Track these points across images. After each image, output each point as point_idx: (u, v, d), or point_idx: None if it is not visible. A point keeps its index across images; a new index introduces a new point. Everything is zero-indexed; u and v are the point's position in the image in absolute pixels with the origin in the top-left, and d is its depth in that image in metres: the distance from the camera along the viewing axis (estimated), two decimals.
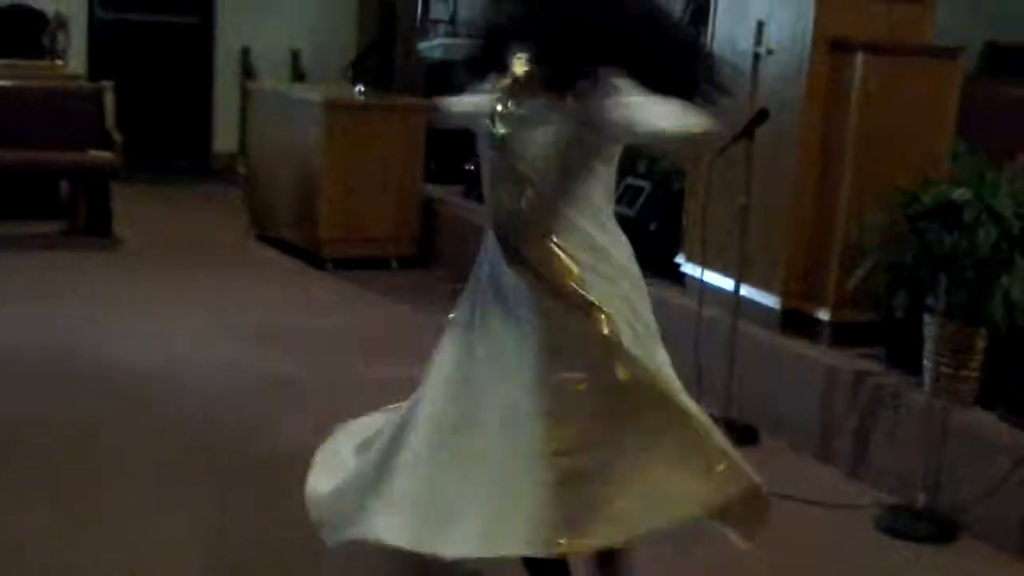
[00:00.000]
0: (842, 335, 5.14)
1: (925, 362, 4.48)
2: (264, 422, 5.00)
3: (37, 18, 10.14)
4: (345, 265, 7.65)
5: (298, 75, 10.62)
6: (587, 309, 3.02)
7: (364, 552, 3.40)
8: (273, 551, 3.88)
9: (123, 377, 5.44)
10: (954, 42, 5.49)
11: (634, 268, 3.19)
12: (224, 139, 10.85)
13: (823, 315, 5.18)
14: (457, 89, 3.29)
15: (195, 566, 3.78)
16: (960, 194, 4.25)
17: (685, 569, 3.94)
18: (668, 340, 4.36)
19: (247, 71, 10.57)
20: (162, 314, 6.46)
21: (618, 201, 6.48)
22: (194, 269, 7.49)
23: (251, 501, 4.25)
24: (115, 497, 4.22)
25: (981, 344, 4.46)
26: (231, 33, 10.80)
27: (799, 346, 5.17)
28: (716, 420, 4.91)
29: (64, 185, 8.54)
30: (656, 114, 2.90)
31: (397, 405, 3.39)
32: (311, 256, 7.75)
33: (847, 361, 4.97)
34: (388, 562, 3.59)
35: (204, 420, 5.00)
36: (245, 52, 10.71)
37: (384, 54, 9.87)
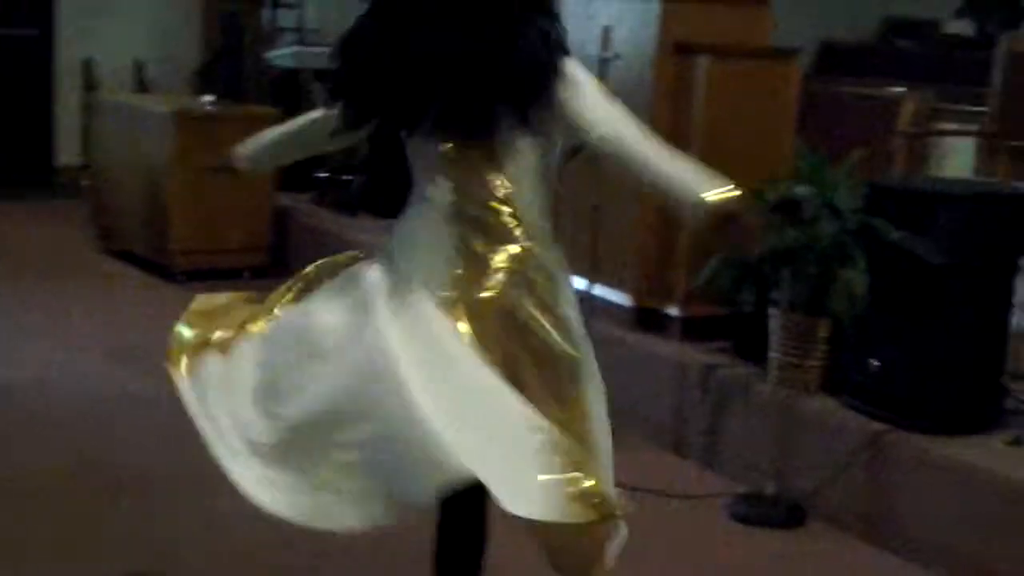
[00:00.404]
0: (692, 330, 5.28)
1: (771, 353, 4.62)
2: (115, 439, 4.94)
3: None
4: (197, 276, 7.55)
5: (142, 86, 10.45)
6: None
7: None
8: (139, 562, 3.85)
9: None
10: (790, 43, 5.68)
11: None
12: (67, 153, 10.62)
13: (673, 311, 5.31)
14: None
15: None
16: (801, 191, 4.40)
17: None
18: None
19: (89, 83, 10.37)
20: (7, 332, 6.31)
21: None
22: (40, 286, 7.32)
23: (114, 516, 4.21)
24: None
25: (823, 334, 4.62)
26: (72, 45, 10.56)
27: (650, 342, 5.30)
28: None
29: None
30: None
31: None
32: (162, 268, 7.65)
33: (697, 355, 5.11)
34: None
35: (55, 438, 4.92)
36: (87, 64, 10.49)
37: (231, 63, 9.76)
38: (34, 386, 5.55)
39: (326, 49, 7.67)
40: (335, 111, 3.05)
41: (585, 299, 5.17)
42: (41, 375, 5.70)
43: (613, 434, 4.88)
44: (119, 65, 10.49)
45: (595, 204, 5.14)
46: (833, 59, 9.47)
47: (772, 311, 4.64)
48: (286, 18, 9.78)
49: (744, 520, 4.46)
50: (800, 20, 8.42)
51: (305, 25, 9.79)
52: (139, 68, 10.60)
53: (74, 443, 4.89)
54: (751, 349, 4.94)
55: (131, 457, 4.76)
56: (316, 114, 3.30)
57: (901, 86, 6.98)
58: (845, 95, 7.01)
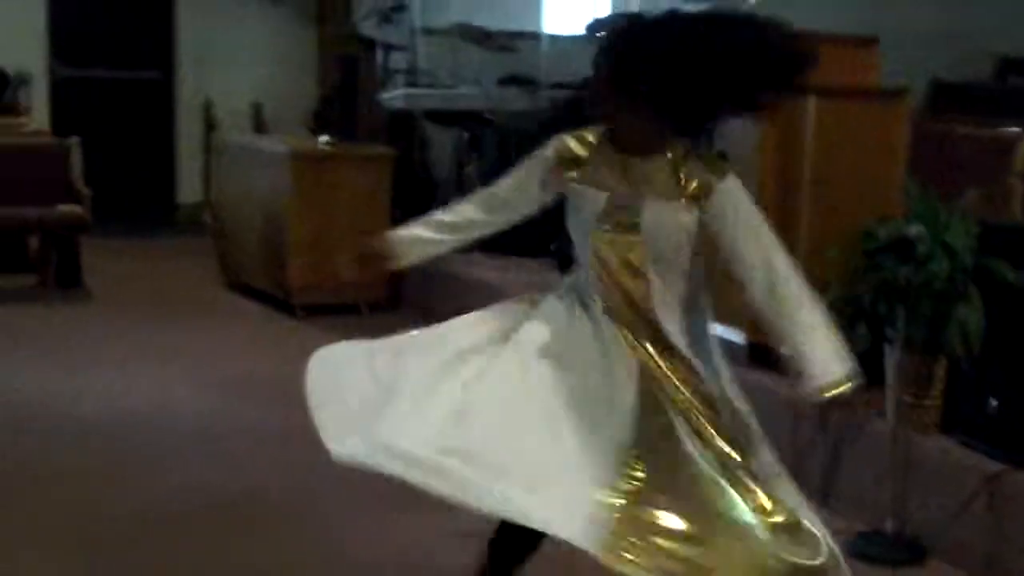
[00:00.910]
0: None
1: (887, 392, 4.65)
2: (232, 467, 5.12)
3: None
4: (315, 311, 7.77)
5: (260, 127, 10.76)
6: None
7: None
8: None
9: (94, 427, 5.54)
10: (900, 82, 5.70)
11: None
12: (188, 191, 10.96)
13: (787, 350, 5.33)
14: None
15: None
16: (915, 230, 4.43)
17: None
18: None
19: (209, 124, 10.70)
20: (133, 365, 6.56)
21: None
22: (164, 319, 7.59)
23: (223, 542, 4.36)
24: (89, 540, 4.32)
25: (940, 373, 4.64)
26: (193, 87, 10.93)
27: (766, 380, 5.33)
28: None
29: (33, 240, 8.63)
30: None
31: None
32: (281, 303, 7.87)
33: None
34: None
35: (176, 468, 5.11)
36: (207, 106, 10.84)
37: (346, 104, 10.00)
38: (156, 414, 5.76)
39: (435, 91, 7.81)
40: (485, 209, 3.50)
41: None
42: (163, 404, 5.91)
43: None
44: (238, 106, 10.82)
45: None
46: (945, 99, 9.39)
47: (887, 350, 4.66)
48: (398, 61, 9.99)
49: (863, 558, 4.47)
50: (911, 60, 8.41)
51: (417, 67, 9.99)
52: (257, 109, 10.92)
53: (192, 470, 5.08)
54: (867, 388, 4.96)
55: (247, 483, 4.93)
56: (473, 213, 3.59)
57: (1016, 125, 6.92)
58: (958, 135, 6.97)
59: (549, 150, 3.44)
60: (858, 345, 4.75)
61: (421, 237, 3.65)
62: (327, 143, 8.23)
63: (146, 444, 5.37)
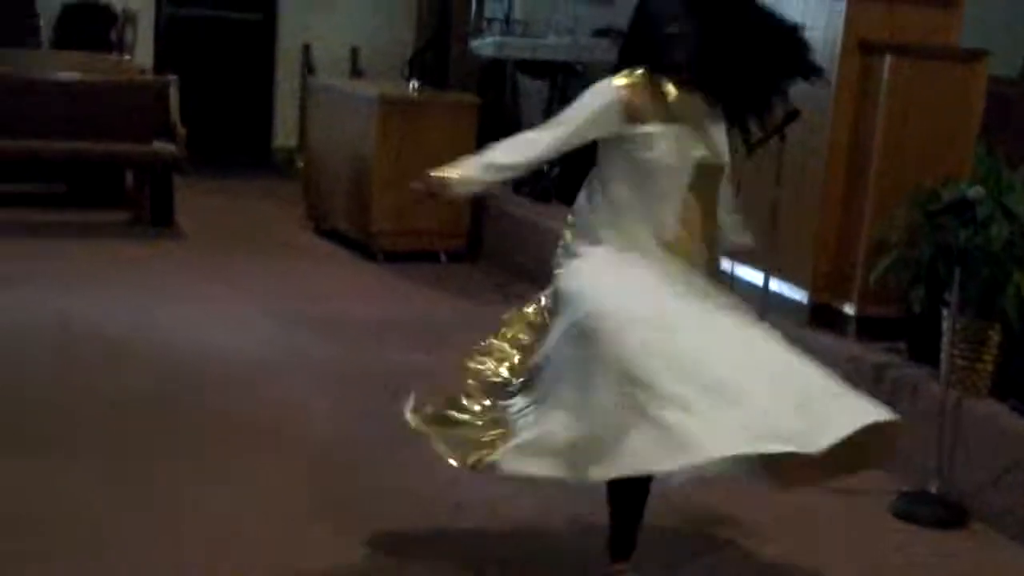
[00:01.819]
0: (868, 329, 5.31)
1: (942, 355, 4.63)
2: (307, 402, 5.28)
3: (105, 13, 10.50)
4: (396, 258, 7.90)
5: (357, 72, 10.88)
6: None
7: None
8: (330, 516, 4.13)
9: (180, 358, 5.73)
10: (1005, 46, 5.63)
11: None
12: (285, 134, 11.15)
13: (849, 310, 5.34)
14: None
15: (246, 530, 4.04)
16: (974, 191, 4.40)
17: (697, 552, 4.15)
18: None
19: (308, 68, 10.85)
20: (219, 301, 6.75)
21: None
22: (251, 259, 7.77)
23: (296, 473, 4.52)
24: (174, 469, 4.50)
25: (995, 338, 4.61)
26: (293, 30, 11.09)
27: (825, 340, 5.34)
28: None
29: (129, 176, 8.87)
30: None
31: None
32: (364, 248, 8.00)
33: (870, 354, 5.14)
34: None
35: (253, 399, 5.29)
36: (306, 49, 10.98)
37: (440, 52, 10.08)
38: (237, 347, 5.94)
39: (525, 41, 7.86)
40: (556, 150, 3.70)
41: (760, 293, 5.28)
42: (244, 338, 6.10)
43: None
44: (337, 51, 10.96)
45: (774, 198, 5.21)
46: None
47: (944, 312, 4.65)
48: (494, 10, 10.03)
49: (907, 518, 4.49)
50: (1010, 25, 8.29)
51: (511, 16, 10.02)
52: (355, 54, 11.04)
53: (264, 399, 5.26)
54: (925, 350, 4.95)
55: (313, 416, 5.09)
56: (543, 153, 3.75)
57: None
58: None
59: (614, 94, 3.57)
60: (916, 306, 4.77)
61: (489, 165, 3.76)
62: (416, 89, 8.32)
63: (227, 376, 5.55)
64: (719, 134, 3.61)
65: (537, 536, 4.17)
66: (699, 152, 3.55)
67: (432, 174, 3.71)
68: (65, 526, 3.97)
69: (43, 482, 4.28)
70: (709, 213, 3.63)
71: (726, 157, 3.64)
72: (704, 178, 3.59)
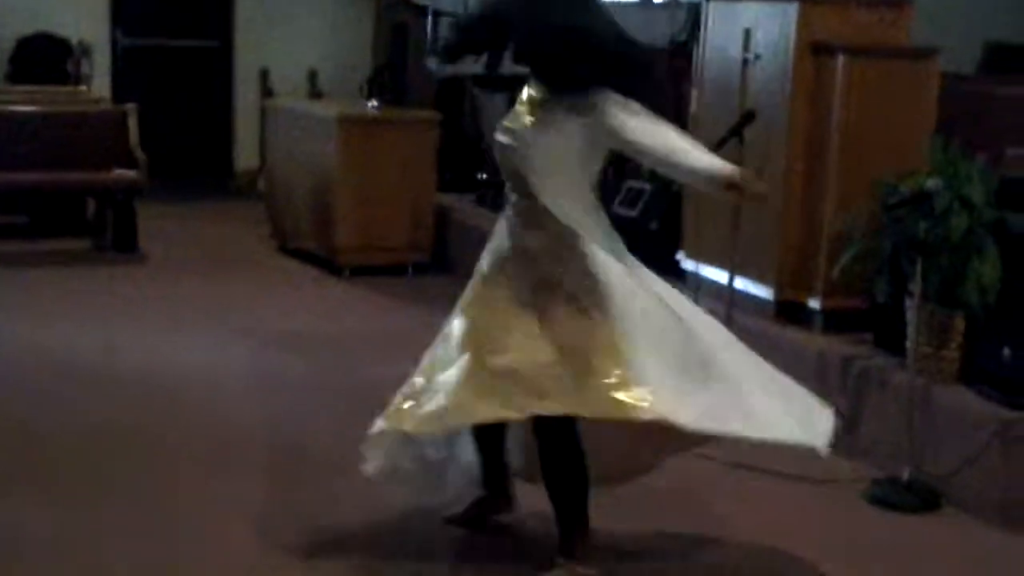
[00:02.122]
0: (833, 322, 5.40)
1: (908, 344, 4.73)
2: (280, 419, 5.32)
3: (61, 46, 10.50)
4: (362, 272, 7.94)
5: (315, 94, 10.92)
6: None
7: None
8: (306, 527, 4.18)
9: (153, 381, 5.75)
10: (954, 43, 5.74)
11: None
12: (246, 156, 11.17)
13: (815, 304, 5.44)
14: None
15: (237, 546, 4.08)
16: (932, 183, 4.50)
17: (669, 541, 4.22)
18: None
19: (266, 91, 10.89)
20: (188, 324, 6.76)
21: (620, 203, 6.80)
22: (217, 280, 7.80)
23: (275, 488, 4.55)
24: (156, 488, 4.54)
25: (959, 325, 4.71)
26: (250, 55, 11.12)
27: (792, 334, 5.43)
28: None
29: (91, 204, 8.88)
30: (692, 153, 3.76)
31: None
32: (330, 265, 8.04)
33: (837, 346, 5.23)
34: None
35: (228, 418, 5.32)
36: (264, 73, 11.03)
37: (397, 71, 10.15)
38: (210, 370, 5.96)
39: (480, 57, 7.96)
40: None
41: (725, 292, 5.36)
42: (216, 360, 6.12)
43: None
44: (295, 74, 11.01)
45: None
46: (1001, 59, 9.37)
47: (908, 302, 4.74)
48: (446, 28, 10.08)
49: (880, 504, 4.58)
50: (968, 21, 8.45)
51: None
52: (313, 76, 11.09)
53: (243, 421, 5.27)
54: (891, 340, 5.05)
55: (292, 434, 5.13)
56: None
57: None
58: (1001, 96, 6.96)
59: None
60: (879, 297, 4.87)
61: None
62: (374, 108, 8.38)
63: (200, 397, 5.58)
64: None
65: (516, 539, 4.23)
66: None
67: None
68: (48, 555, 3.99)
69: (25, 512, 4.29)
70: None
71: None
72: None
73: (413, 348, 5.93)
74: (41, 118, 8.59)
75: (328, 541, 4.11)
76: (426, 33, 9.92)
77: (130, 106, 8.74)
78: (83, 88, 9.80)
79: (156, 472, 4.70)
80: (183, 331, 6.61)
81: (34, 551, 3.98)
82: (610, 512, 4.20)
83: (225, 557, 3.99)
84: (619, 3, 10.42)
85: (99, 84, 10.31)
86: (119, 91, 10.36)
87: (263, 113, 10.11)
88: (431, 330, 6.23)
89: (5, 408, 5.35)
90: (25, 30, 10.50)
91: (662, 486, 4.46)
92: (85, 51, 10.32)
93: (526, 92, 3.91)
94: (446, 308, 6.34)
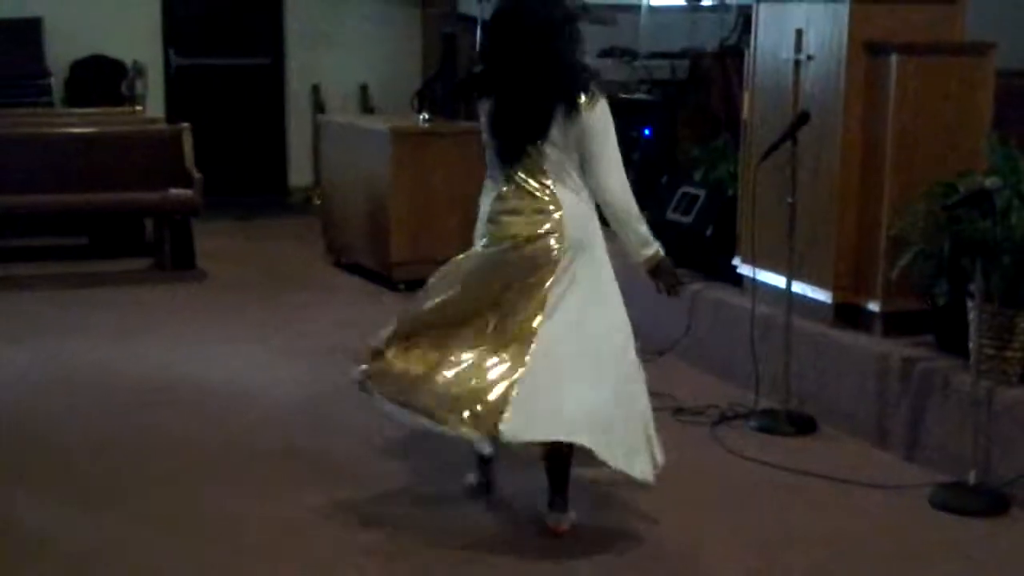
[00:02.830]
0: (894, 325, 5.33)
1: (970, 345, 4.66)
2: (339, 427, 5.34)
3: (115, 67, 10.62)
4: (416, 286, 7.89)
5: (367, 108, 10.98)
6: None
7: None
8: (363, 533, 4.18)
9: (209, 397, 5.80)
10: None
11: None
12: (299, 173, 11.25)
13: (874, 306, 5.37)
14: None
15: (294, 552, 4.09)
16: (991, 181, 4.43)
17: (742, 545, 4.18)
18: (727, 339, 4.78)
19: (318, 107, 10.96)
20: (244, 339, 6.81)
21: (675, 209, 6.76)
22: (274, 297, 7.84)
23: (334, 495, 4.56)
24: (215, 497, 4.57)
25: (1021, 325, 4.63)
26: (301, 72, 11.20)
27: (851, 337, 5.37)
28: (776, 412, 5.20)
29: (149, 224, 8.97)
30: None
31: None
32: (384, 279, 8.06)
33: (898, 349, 5.16)
34: None
35: (290, 428, 5.37)
36: (315, 89, 11.10)
37: (448, 82, 10.16)
38: (265, 384, 6.00)
39: None
40: None
41: (784, 296, 5.32)
42: (270, 374, 6.16)
43: (816, 428, 5.02)
44: (346, 89, 11.07)
45: (791, 201, 5.26)
46: None
47: (969, 303, 4.68)
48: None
49: (946, 508, 4.50)
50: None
51: None
52: (364, 91, 11.15)
53: (297, 434, 5.31)
54: (952, 342, 4.97)
55: (345, 446, 5.13)
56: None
57: None
58: None
59: None
60: (940, 299, 4.80)
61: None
62: (425, 121, 8.40)
63: (255, 411, 5.61)
64: None
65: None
66: None
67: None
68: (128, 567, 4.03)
69: (102, 528, 4.33)
70: None
71: None
72: None
73: None
74: (97, 140, 8.70)
75: (381, 561, 4.11)
76: (475, 44, 9.92)
77: (184, 125, 8.82)
78: (138, 108, 9.91)
79: (219, 486, 4.72)
80: (240, 346, 6.66)
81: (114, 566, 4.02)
82: (674, 514, 4.19)
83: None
84: (667, 7, 10.46)
85: (153, 104, 10.42)
86: (173, 111, 10.47)
87: (316, 129, 10.17)
88: None
89: (66, 422, 5.43)
90: (79, 53, 10.65)
91: (730, 489, 4.44)
92: (139, 72, 10.42)
93: None
94: None
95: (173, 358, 6.39)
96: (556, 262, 4.09)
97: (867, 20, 5.33)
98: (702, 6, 9.34)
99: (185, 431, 5.34)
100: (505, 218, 4.17)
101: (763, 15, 5.87)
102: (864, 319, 5.42)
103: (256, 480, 4.80)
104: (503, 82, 4.11)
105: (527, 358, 4.01)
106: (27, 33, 10.43)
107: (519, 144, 4.09)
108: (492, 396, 3.99)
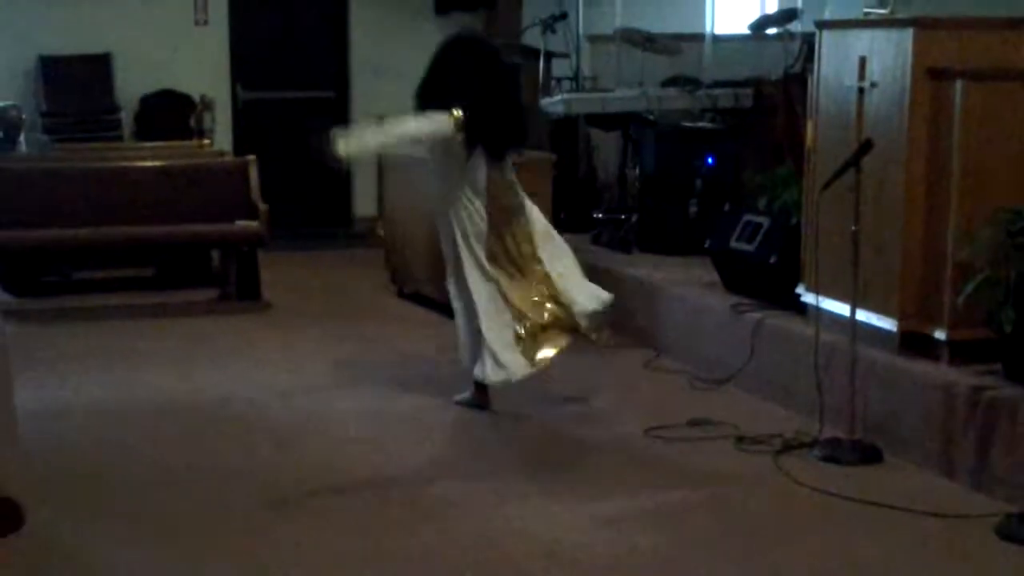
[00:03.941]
0: (960, 353, 5.26)
1: None
2: (401, 457, 5.40)
3: (183, 101, 10.79)
4: None
5: None
6: None
7: None
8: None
9: (275, 424, 5.87)
10: None
11: None
12: (364, 203, 11.33)
13: (940, 335, 5.30)
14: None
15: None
16: None
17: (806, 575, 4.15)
18: (791, 367, 4.73)
19: None
20: (309, 368, 6.88)
21: (738, 237, 6.75)
22: (340, 327, 7.89)
23: (393, 525, 4.57)
24: (281, 527, 4.61)
25: None
26: (366, 103, 11.28)
27: (917, 366, 5.31)
28: (841, 441, 5.15)
29: (216, 255, 9.07)
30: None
31: None
32: (446, 308, 8.06)
33: (964, 378, 5.09)
34: None
35: (354, 458, 5.40)
36: (379, 120, 11.15)
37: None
38: (328, 413, 6.06)
39: (593, 95, 8.57)
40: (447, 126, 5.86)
41: (848, 324, 5.27)
42: (334, 403, 6.23)
43: (882, 458, 4.94)
44: None
45: (855, 229, 5.22)
46: None
47: None
48: (562, 68, 10.14)
49: (1012, 539, 4.43)
50: None
51: (580, 73, 10.12)
52: None
53: (360, 462, 5.35)
54: (1020, 371, 4.91)
55: (406, 474, 5.16)
56: (431, 125, 5.97)
57: None
58: None
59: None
60: (1007, 327, 4.74)
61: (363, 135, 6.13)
62: None
63: (321, 441, 5.67)
64: None
65: None
66: None
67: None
68: None
69: (180, 559, 4.37)
70: None
71: None
72: None
73: (537, 388, 6.03)
74: (166, 173, 8.82)
75: None
76: (539, 74, 9.97)
77: (250, 158, 8.93)
78: (206, 142, 10.04)
79: (269, 507, 4.77)
80: (305, 376, 6.72)
81: None
82: (736, 541, 4.16)
83: None
84: (731, 36, 10.45)
85: (221, 138, 10.56)
86: (240, 144, 10.59)
87: (380, 160, 10.24)
88: (553, 371, 6.31)
89: (133, 450, 5.51)
90: (148, 88, 10.83)
91: (793, 518, 4.39)
92: (207, 106, 10.57)
93: None
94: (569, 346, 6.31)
95: (238, 387, 6.45)
96: None
97: (931, 46, 5.29)
98: (766, 34, 9.32)
99: (253, 461, 5.39)
100: None
101: (827, 43, 5.85)
102: (930, 347, 5.36)
103: (307, 511, 4.81)
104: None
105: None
106: (98, 68, 10.63)
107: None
108: None
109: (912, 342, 5.42)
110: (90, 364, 6.94)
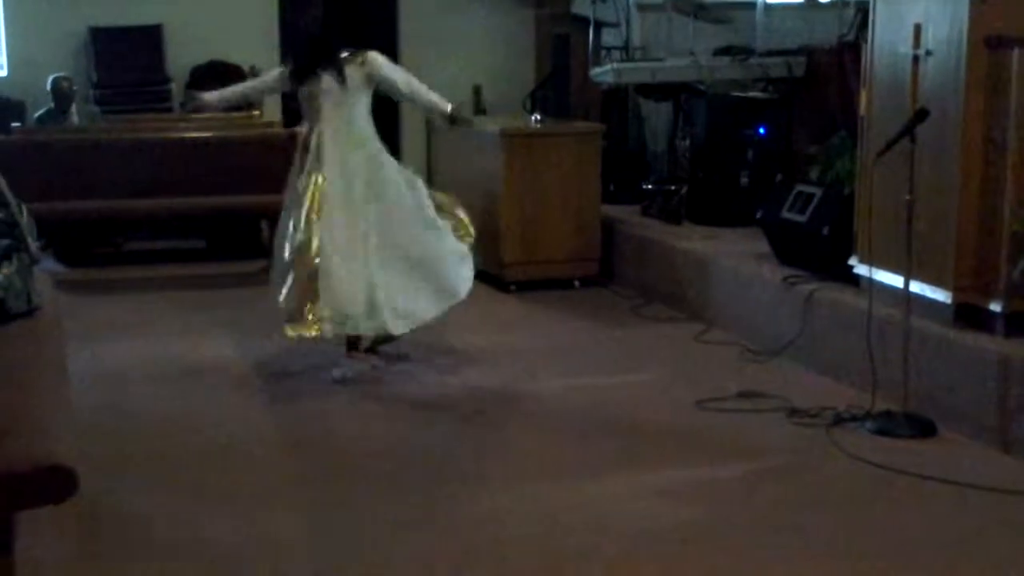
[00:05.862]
0: (1016, 326, 5.18)
1: None
2: (441, 427, 5.44)
3: (234, 72, 10.79)
4: (528, 287, 7.95)
5: (480, 109, 11.01)
6: None
7: None
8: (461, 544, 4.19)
9: (333, 394, 5.90)
10: None
11: None
12: (413, 174, 11.28)
13: (996, 307, 5.23)
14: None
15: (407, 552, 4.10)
16: None
17: (858, 548, 4.11)
18: (843, 339, 4.63)
19: None
20: None
21: (790, 208, 6.68)
22: None
23: (450, 497, 4.57)
24: (347, 491, 4.60)
25: None
26: (415, 74, 11.24)
27: (972, 338, 5.24)
28: (894, 414, 5.09)
29: (265, 226, 9.09)
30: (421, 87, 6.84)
31: None
32: (496, 280, 8.07)
33: (1020, 350, 5.02)
34: None
35: (406, 423, 5.46)
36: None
37: (560, 83, 10.17)
38: (376, 381, 6.10)
39: (643, 64, 8.32)
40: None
41: (902, 296, 5.21)
42: (384, 373, 6.25)
43: (936, 431, 4.86)
44: (459, 91, 11.07)
45: (909, 199, 5.15)
46: None
47: None
48: (612, 37, 10.07)
49: None
50: None
51: (630, 42, 10.04)
52: (477, 92, 11.19)
53: (404, 429, 5.37)
54: None
55: (457, 443, 5.17)
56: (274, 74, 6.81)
57: None
58: None
59: None
60: None
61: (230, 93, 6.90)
62: (538, 121, 8.40)
63: (368, 405, 5.72)
64: None
65: None
66: None
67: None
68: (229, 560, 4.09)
69: (252, 524, 4.37)
70: None
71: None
72: None
73: (590, 361, 6.01)
74: (216, 144, 8.85)
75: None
76: (588, 44, 9.92)
77: (300, 129, 8.91)
78: (256, 113, 10.06)
79: (351, 484, 4.76)
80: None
81: (215, 555, 4.07)
82: (788, 514, 4.11)
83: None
84: (784, 4, 10.33)
85: (271, 109, 10.57)
86: (289, 115, 10.58)
87: (429, 131, 10.23)
88: (604, 343, 6.28)
89: (187, 417, 5.56)
90: (199, 59, 10.85)
91: (846, 492, 4.34)
92: (256, 76, 10.56)
93: None
94: (615, 320, 6.33)
95: (292, 359, 6.46)
96: None
97: (988, 13, 5.19)
98: (819, 2, 9.21)
99: (306, 431, 5.42)
100: None
101: (881, 10, 5.76)
102: (985, 319, 5.29)
103: (369, 482, 4.82)
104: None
105: None
106: (148, 40, 10.67)
107: None
108: None
109: (967, 314, 5.35)
110: (141, 333, 7.00)
